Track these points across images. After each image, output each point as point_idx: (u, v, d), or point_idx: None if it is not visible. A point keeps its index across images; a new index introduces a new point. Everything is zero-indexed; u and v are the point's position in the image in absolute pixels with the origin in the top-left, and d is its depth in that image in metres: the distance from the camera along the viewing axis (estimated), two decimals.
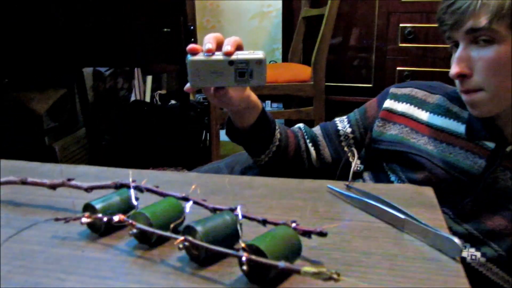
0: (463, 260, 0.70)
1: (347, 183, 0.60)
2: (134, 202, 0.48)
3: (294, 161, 1.01)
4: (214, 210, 0.46)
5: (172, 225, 0.42)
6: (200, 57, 0.60)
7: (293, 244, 0.39)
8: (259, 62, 0.59)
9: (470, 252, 0.68)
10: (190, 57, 0.60)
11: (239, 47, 0.62)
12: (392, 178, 0.89)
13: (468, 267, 0.70)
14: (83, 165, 0.74)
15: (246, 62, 0.59)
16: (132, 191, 0.49)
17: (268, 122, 0.87)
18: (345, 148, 1.04)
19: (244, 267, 0.36)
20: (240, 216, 0.43)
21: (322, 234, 0.41)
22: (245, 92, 0.79)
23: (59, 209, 0.56)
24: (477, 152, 0.67)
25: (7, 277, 0.40)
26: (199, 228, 0.41)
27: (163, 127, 2.25)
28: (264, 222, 0.43)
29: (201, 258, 0.41)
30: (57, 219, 0.47)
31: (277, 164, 1.01)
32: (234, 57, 0.59)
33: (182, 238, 0.40)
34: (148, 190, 0.50)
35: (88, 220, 0.46)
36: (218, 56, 0.60)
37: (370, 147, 0.91)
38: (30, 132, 1.74)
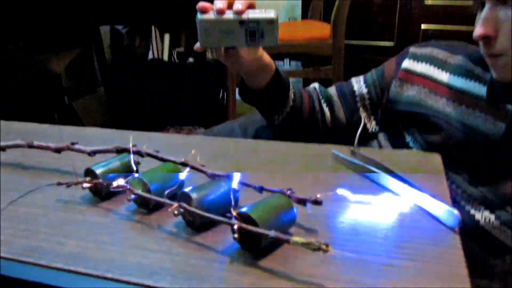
0: (476, 223, 0.69)
1: (352, 148, 0.59)
2: (134, 167, 0.48)
3: (308, 122, 1.00)
4: (213, 176, 0.46)
5: (166, 192, 0.42)
6: (210, 16, 0.58)
7: (287, 213, 0.39)
8: (271, 22, 0.57)
9: (484, 215, 0.67)
10: (200, 16, 0.58)
11: (250, 6, 0.59)
12: (408, 140, 0.87)
13: (482, 230, 0.69)
14: (91, 127, 0.75)
15: (257, 22, 0.57)
16: (131, 156, 0.49)
17: (281, 83, 0.85)
18: (361, 109, 1.02)
19: (236, 235, 0.36)
20: (236, 184, 0.43)
21: (317, 202, 0.40)
22: (257, 53, 0.77)
23: (64, 172, 0.57)
24: (498, 116, 0.65)
25: (10, 241, 0.41)
26: (194, 195, 0.41)
27: (180, 85, 2.25)
28: (260, 189, 0.43)
29: (196, 225, 0.41)
30: (59, 184, 0.48)
31: (291, 125, 1.00)
32: (244, 16, 0.57)
33: (176, 204, 0.40)
34: (148, 155, 0.50)
35: (89, 185, 0.47)
36: (229, 15, 0.58)
37: (387, 108, 0.88)
38: (49, 93, 1.76)
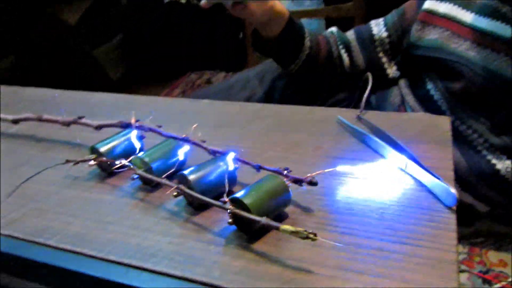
0: (497, 172, 0.68)
1: (358, 113, 0.58)
2: (136, 145, 0.49)
3: (325, 68, 0.98)
4: (213, 153, 0.47)
5: (163, 176, 0.43)
6: None
7: (282, 195, 0.39)
8: None
9: (505, 165, 0.66)
10: None
11: None
12: (429, 86, 0.84)
13: (503, 179, 0.68)
14: (101, 93, 0.75)
15: None
16: (134, 135, 0.50)
17: (296, 31, 0.83)
18: (380, 54, 0.98)
19: (230, 220, 0.37)
20: (232, 165, 0.43)
21: (312, 183, 0.40)
22: (267, 3, 0.74)
23: (74, 144, 0.58)
24: None
25: (22, 220, 0.44)
26: (191, 177, 0.42)
27: (200, 28, 2.20)
28: (258, 168, 0.44)
29: (195, 205, 0.42)
30: (67, 161, 0.49)
31: (307, 72, 0.98)
32: None
33: (174, 186, 0.41)
34: (151, 130, 0.51)
35: (94, 162, 0.48)
36: None
37: (407, 53, 0.85)
38: (67, 43, 1.76)
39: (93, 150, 0.50)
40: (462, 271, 1.05)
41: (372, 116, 0.58)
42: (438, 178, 0.41)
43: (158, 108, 0.67)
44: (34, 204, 0.46)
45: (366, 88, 0.63)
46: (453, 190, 0.39)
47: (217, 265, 0.36)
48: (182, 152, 0.46)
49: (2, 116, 0.62)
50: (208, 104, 0.67)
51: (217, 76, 2.17)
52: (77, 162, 0.49)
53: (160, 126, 0.51)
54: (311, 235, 0.33)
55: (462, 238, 1.11)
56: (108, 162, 0.48)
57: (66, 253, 0.39)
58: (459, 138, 0.74)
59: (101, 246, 0.39)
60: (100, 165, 0.50)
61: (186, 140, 0.48)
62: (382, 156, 0.49)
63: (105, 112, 0.69)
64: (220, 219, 0.41)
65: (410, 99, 0.94)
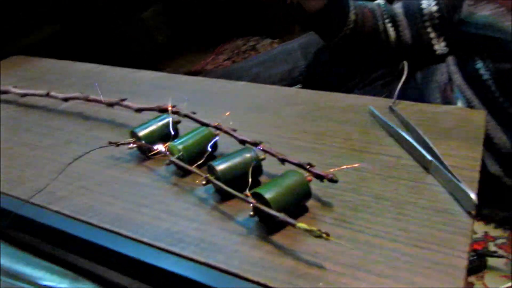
0: None
1: (391, 103, 0.58)
2: (171, 132, 0.52)
3: (370, 42, 0.97)
4: (242, 143, 0.49)
5: (194, 166, 0.46)
6: None
7: (302, 192, 0.41)
8: None
9: None
10: None
11: None
12: (478, 65, 0.82)
13: None
14: (145, 71, 0.79)
15: None
16: (170, 121, 0.53)
17: (340, 4, 0.82)
18: (428, 29, 0.95)
19: (251, 213, 0.40)
20: (256, 158, 0.45)
21: (332, 180, 0.42)
22: None
23: (118, 124, 0.63)
24: None
25: (70, 198, 0.49)
26: (218, 168, 0.45)
27: None
28: (282, 161, 0.46)
29: (222, 193, 0.45)
30: (110, 143, 0.53)
31: (351, 46, 0.98)
32: None
33: (203, 176, 0.44)
34: (186, 116, 0.54)
35: (134, 146, 0.52)
36: None
37: (458, 28, 0.82)
38: (114, 8, 1.81)
39: (132, 133, 0.54)
40: (500, 256, 1.04)
41: (405, 107, 0.58)
42: (459, 181, 0.41)
43: (196, 89, 0.70)
44: (80, 183, 0.51)
45: (401, 77, 0.62)
46: (472, 195, 0.40)
47: (237, 254, 0.39)
48: (210, 145, 0.48)
49: (53, 94, 0.67)
50: (244, 86, 0.69)
51: (262, 42, 2.15)
52: (118, 145, 0.53)
53: (194, 113, 0.54)
54: (324, 235, 0.35)
55: (503, 223, 1.10)
56: (146, 147, 0.51)
57: (105, 232, 0.44)
58: (505, 119, 0.72)
59: (136, 227, 0.43)
60: (139, 148, 0.54)
61: (217, 128, 0.51)
62: (408, 152, 0.49)
63: (147, 89, 0.72)
64: (244, 208, 0.44)
65: (457, 77, 0.91)
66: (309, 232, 0.36)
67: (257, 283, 0.36)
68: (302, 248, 0.39)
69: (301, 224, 0.37)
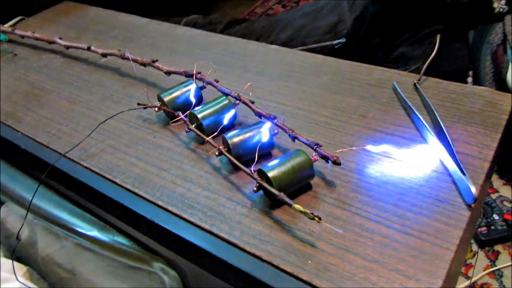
0: None
1: (416, 80, 0.56)
2: (193, 100, 0.55)
3: None
4: (258, 115, 0.51)
5: (211, 136, 0.49)
6: None
7: (305, 172, 0.43)
8: None
9: None
10: None
11: None
12: None
13: None
14: (183, 27, 0.81)
15: None
16: (193, 89, 0.55)
17: None
18: None
19: (254, 188, 0.43)
20: (268, 133, 0.47)
21: (336, 163, 0.43)
22: None
23: (150, 83, 0.66)
24: None
25: (100, 155, 0.54)
26: (230, 141, 0.47)
27: None
28: (293, 139, 0.47)
29: (233, 164, 0.48)
30: (138, 104, 0.57)
31: None
32: None
33: (216, 147, 0.47)
34: (209, 83, 0.56)
35: (159, 110, 0.56)
36: None
37: None
38: None
39: (158, 98, 0.57)
40: None
41: (431, 85, 0.56)
42: (463, 173, 0.42)
43: (229, 50, 0.71)
44: (109, 141, 0.55)
45: (432, 51, 0.60)
46: (473, 189, 0.40)
47: (239, 225, 0.42)
48: (228, 117, 0.50)
49: (93, 48, 0.71)
50: (275, 50, 0.69)
51: None
52: (145, 107, 0.57)
53: (217, 81, 0.56)
54: (316, 218, 0.38)
55: None
56: (169, 112, 0.54)
57: (127, 192, 0.48)
58: None
59: (153, 190, 0.47)
60: (164, 111, 0.57)
61: (237, 99, 0.53)
62: (422, 136, 0.49)
63: (183, 47, 0.74)
64: (252, 181, 0.46)
65: None
66: (304, 213, 0.38)
67: (253, 254, 0.40)
68: (299, 225, 0.41)
69: (297, 206, 0.39)
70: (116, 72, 0.70)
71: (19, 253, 0.66)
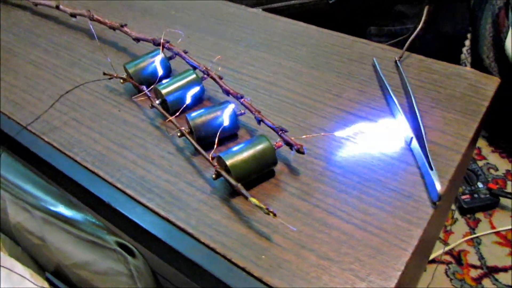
0: None
1: (397, 56, 0.53)
2: (159, 72, 0.52)
3: None
4: (227, 93, 0.48)
5: (172, 117, 0.46)
6: None
7: (267, 159, 0.41)
8: None
9: None
10: None
11: None
12: None
13: None
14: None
15: None
16: (158, 59, 0.52)
17: None
18: None
19: (213, 175, 0.41)
20: (228, 117, 0.45)
21: (299, 152, 0.41)
22: None
23: (120, 48, 0.62)
24: None
25: (62, 129, 0.51)
26: (192, 122, 0.45)
27: None
28: (259, 121, 0.45)
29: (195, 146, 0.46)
30: (104, 74, 0.54)
31: None
32: None
33: (178, 128, 0.45)
34: (177, 55, 0.53)
35: (124, 82, 0.53)
36: None
37: None
38: None
39: (125, 68, 0.54)
40: None
41: (414, 62, 0.53)
42: (431, 168, 0.40)
43: (205, 12, 0.67)
44: (73, 113, 0.53)
45: (419, 22, 0.56)
46: (438, 186, 0.38)
47: (196, 213, 0.41)
48: (191, 95, 0.48)
49: (61, 7, 0.67)
50: (256, 15, 0.65)
51: None
52: (110, 78, 0.54)
53: (186, 52, 0.53)
54: (271, 214, 0.36)
55: None
56: (135, 85, 0.52)
57: (86, 171, 0.47)
58: None
59: (113, 171, 0.46)
60: (130, 83, 0.54)
61: (204, 73, 0.50)
62: (396, 121, 0.46)
63: (158, 9, 0.70)
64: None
65: None
66: (259, 208, 0.37)
67: (207, 246, 0.39)
68: (258, 216, 0.40)
69: (253, 199, 0.37)
70: (86, 34, 0.66)
71: None
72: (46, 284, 0.53)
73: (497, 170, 1.11)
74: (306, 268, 0.36)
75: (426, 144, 0.42)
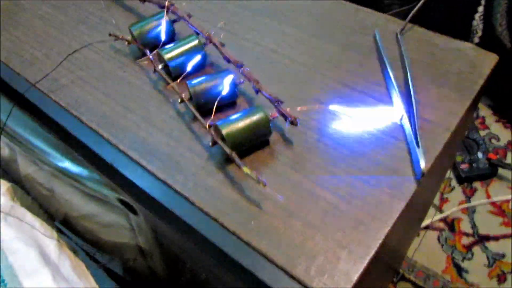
0: None
1: (400, 29, 0.53)
2: (162, 37, 0.52)
3: None
4: (227, 61, 0.49)
5: (173, 83, 0.48)
6: None
7: (262, 129, 0.43)
8: None
9: None
10: None
11: None
12: None
13: None
14: None
15: None
16: (162, 25, 0.53)
17: None
18: None
19: (210, 143, 0.43)
20: (228, 85, 0.46)
21: (292, 123, 0.43)
22: None
23: (127, 7, 0.63)
24: None
25: (69, 87, 0.53)
26: (192, 89, 0.46)
27: None
28: (257, 91, 0.46)
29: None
30: (110, 35, 0.55)
31: None
32: None
33: (179, 94, 0.47)
34: (181, 19, 0.54)
35: (129, 44, 0.54)
36: None
37: None
38: None
39: (130, 30, 0.55)
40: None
41: (415, 35, 0.53)
42: (417, 145, 0.41)
43: None
44: (80, 72, 0.55)
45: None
46: (422, 163, 0.40)
47: (194, 177, 0.43)
48: (192, 63, 0.49)
49: None
50: None
51: None
52: (116, 39, 0.55)
53: (190, 16, 0.53)
54: (261, 184, 0.39)
55: None
56: (139, 47, 0.53)
57: (90, 131, 0.49)
58: None
59: (117, 131, 0.48)
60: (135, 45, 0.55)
61: (207, 39, 0.51)
62: (390, 96, 0.48)
63: None
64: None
65: None
66: (250, 177, 0.39)
67: (201, 210, 0.41)
68: (250, 184, 0.42)
69: (245, 169, 0.40)
70: None
71: (3, 169, 0.70)
72: (54, 232, 0.57)
73: (499, 140, 1.11)
74: (291, 235, 0.39)
75: (416, 121, 0.43)
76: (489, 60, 0.50)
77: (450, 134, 0.44)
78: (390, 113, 0.46)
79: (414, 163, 0.42)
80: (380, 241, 0.38)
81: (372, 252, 0.37)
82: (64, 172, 0.57)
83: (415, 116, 0.44)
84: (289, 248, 0.38)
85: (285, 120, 0.44)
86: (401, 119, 0.45)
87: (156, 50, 0.51)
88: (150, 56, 0.51)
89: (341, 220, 0.39)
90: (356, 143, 0.44)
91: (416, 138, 0.42)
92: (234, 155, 0.41)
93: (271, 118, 0.44)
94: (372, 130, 0.45)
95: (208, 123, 0.43)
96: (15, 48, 0.59)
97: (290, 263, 0.37)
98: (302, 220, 0.39)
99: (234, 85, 0.47)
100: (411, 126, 0.43)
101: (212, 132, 0.43)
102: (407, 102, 0.45)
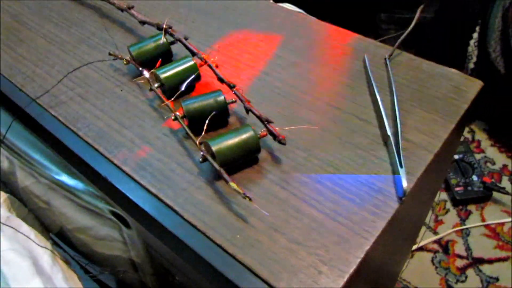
0: None
1: (388, 54, 0.55)
2: (160, 57, 0.55)
3: None
4: (221, 81, 0.51)
5: (168, 101, 0.50)
6: None
7: (251, 147, 0.45)
8: None
9: None
10: None
11: None
12: None
13: None
14: None
15: None
16: (160, 44, 0.55)
17: None
18: None
19: (200, 159, 0.45)
20: (227, 100, 0.48)
21: (281, 142, 0.45)
22: None
23: (128, 28, 0.65)
24: None
25: (68, 103, 0.55)
26: (185, 107, 0.48)
27: None
28: (247, 111, 0.48)
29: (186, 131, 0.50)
30: (109, 54, 0.57)
31: None
32: None
33: (172, 114, 0.48)
34: (178, 40, 0.56)
35: (127, 63, 0.56)
36: None
37: None
38: None
39: (129, 50, 0.57)
40: (506, 193, 1.04)
41: (403, 61, 0.55)
42: (400, 166, 0.43)
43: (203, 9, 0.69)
44: (79, 90, 0.57)
45: (410, 24, 0.58)
46: (404, 183, 0.41)
47: (184, 193, 0.45)
48: (185, 84, 0.51)
49: None
50: (259, 3, 0.67)
51: None
52: (115, 59, 0.57)
53: (186, 38, 0.55)
54: (247, 199, 0.40)
55: None
56: (137, 68, 0.55)
57: (87, 146, 0.51)
58: None
59: (112, 147, 0.50)
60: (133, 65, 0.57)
61: (202, 60, 0.53)
62: (377, 118, 0.49)
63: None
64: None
65: None
66: (238, 193, 0.41)
67: (190, 223, 0.43)
68: (237, 199, 0.44)
69: (233, 184, 0.41)
70: (96, 12, 0.69)
71: (2, 181, 0.71)
72: (49, 244, 0.58)
73: (494, 164, 1.12)
74: (276, 250, 0.40)
75: (400, 142, 0.45)
76: (474, 85, 0.51)
77: (433, 156, 0.45)
78: (376, 134, 0.48)
79: (397, 182, 0.43)
80: (360, 258, 0.39)
81: (352, 268, 0.38)
82: (60, 185, 0.59)
83: (400, 138, 0.45)
84: (273, 262, 0.39)
85: (274, 139, 0.46)
86: (386, 141, 0.46)
87: (152, 70, 0.53)
88: (147, 75, 0.53)
89: (324, 237, 0.40)
90: (343, 162, 0.46)
91: (399, 159, 0.43)
92: (222, 171, 0.42)
93: (260, 136, 0.45)
94: (358, 150, 0.47)
95: (199, 140, 0.45)
96: (18, 65, 0.61)
97: (273, 277, 0.38)
98: (287, 236, 0.41)
99: (226, 105, 0.49)
100: (395, 147, 0.44)
101: (203, 148, 0.45)
102: (392, 124, 0.47)
